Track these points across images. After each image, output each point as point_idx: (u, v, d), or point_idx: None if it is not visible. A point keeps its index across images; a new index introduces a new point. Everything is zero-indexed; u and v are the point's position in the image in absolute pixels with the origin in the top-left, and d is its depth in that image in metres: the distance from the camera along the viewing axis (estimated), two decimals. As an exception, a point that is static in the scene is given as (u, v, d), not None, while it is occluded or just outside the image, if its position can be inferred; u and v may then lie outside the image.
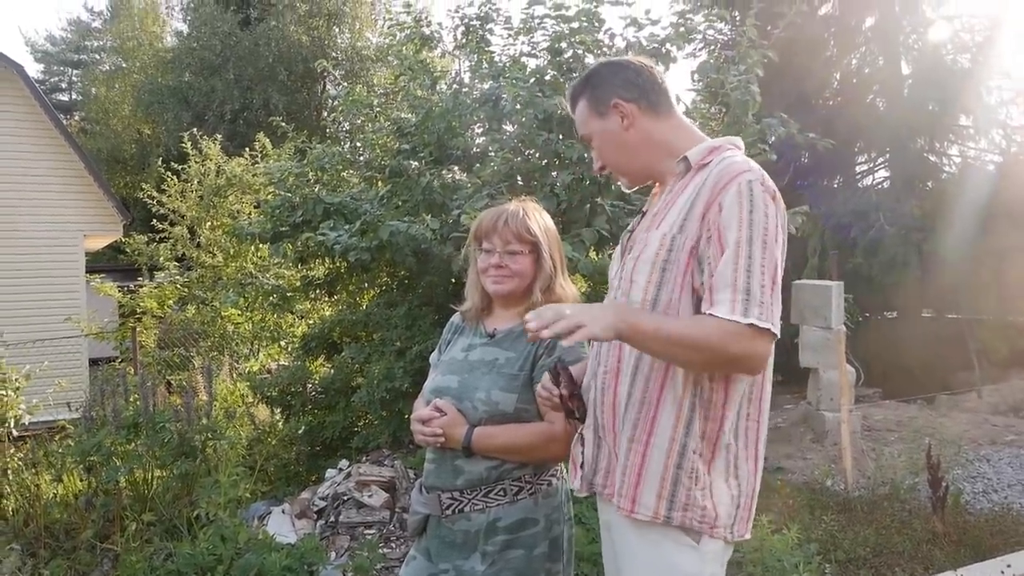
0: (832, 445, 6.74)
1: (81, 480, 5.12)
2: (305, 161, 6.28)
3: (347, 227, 5.03)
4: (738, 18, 8.95)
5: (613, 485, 1.74)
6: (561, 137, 4.99)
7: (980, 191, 10.44)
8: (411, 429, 2.05)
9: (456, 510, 1.99)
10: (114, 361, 10.33)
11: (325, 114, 24.40)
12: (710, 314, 1.55)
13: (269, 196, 7.22)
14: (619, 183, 1.93)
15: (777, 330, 1.56)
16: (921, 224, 10.59)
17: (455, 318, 2.28)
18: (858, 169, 12.78)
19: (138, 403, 4.85)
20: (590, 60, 5.25)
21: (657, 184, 1.93)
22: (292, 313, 8.27)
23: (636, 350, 1.68)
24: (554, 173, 5.11)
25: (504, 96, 5.31)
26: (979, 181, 11.02)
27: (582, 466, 1.82)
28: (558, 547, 2.02)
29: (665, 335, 1.58)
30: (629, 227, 1.93)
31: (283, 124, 7.14)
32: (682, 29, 5.15)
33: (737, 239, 1.56)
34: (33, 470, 5.30)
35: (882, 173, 12.75)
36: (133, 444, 4.60)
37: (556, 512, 2.03)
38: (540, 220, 2.12)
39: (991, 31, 11.22)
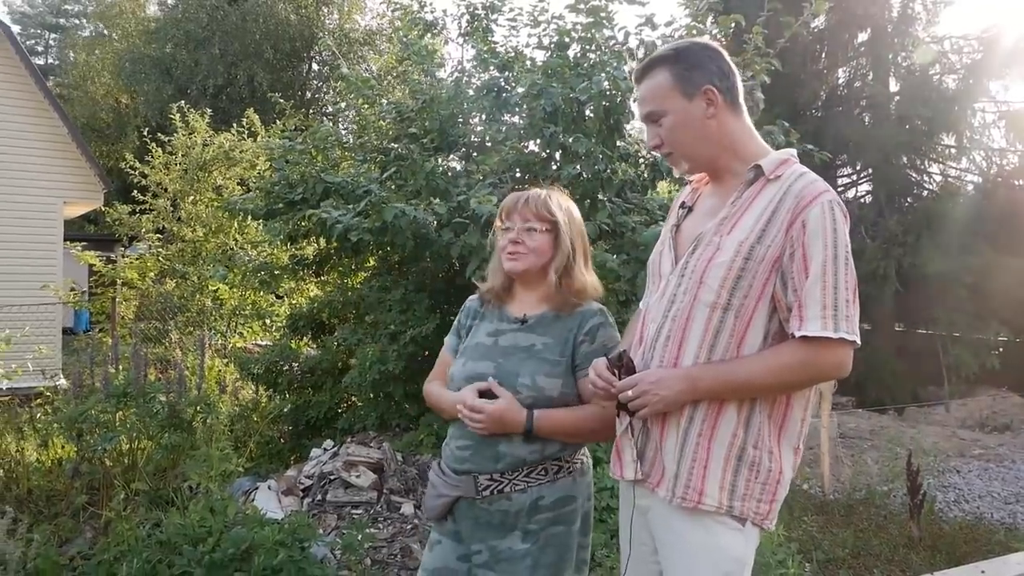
0: (809, 449, 6.86)
1: (64, 447, 5.06)
2: (303, 138, 6.21)
3: (348, 207, 5.00)
4: (743, 24, 9.02)
5: (659, 475, 1.79)
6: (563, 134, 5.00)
7: (959, 210, 10.70)
8: (458, 413, 2.00)
9: (495, 491, 1.99)
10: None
11: (309, 94, 24.22)
12: (802, 335, 1.64)
13: (265, 172, 7.14)
14: (674, 167, 1.91)
15: (859, 340, 1.66)
16: (902, 239, 10.78)
17: (471, 303, 2.25)
18: (841, 182, 12.95)
19: (126, 372, 4.81)
20: (593, 57, 5.27)
21: (702, 179, 1.97)
22: (275, 294, 8.20)
23: (703, 351, 1.73)
24: (554, 166, 5.12)
25: (507, 87, 5.29)
26: (959, 201, 11.27)
27: (635, 456, 1.84)
28: (588, 521, 2.09)
29: (744, 381, 1.69)
30: (674, 222, 1.96)
31: (281, 101, 7.07)
32: (694, 32, 5.19)
33: (824, 259, 1.64)
34: (18, 435, 5.22)
35: (865, 187, 12.96)
36: (121, 413, 4.56)
37: (588, 489, 2.10)
38: (563, 203, 2.13)
39: (979, 54, 11.44)
